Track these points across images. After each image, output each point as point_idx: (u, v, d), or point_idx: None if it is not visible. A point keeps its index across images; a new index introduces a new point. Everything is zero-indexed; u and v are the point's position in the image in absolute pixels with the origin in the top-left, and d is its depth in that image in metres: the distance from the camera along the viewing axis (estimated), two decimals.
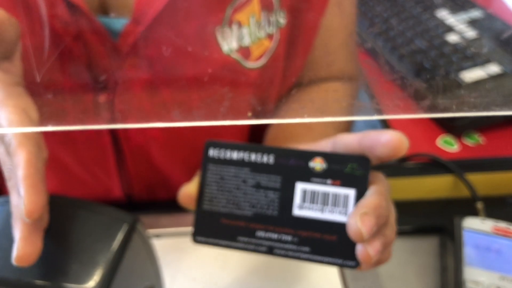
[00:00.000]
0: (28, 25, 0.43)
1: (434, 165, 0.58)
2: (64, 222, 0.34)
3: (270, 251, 0.34)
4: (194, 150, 0.48)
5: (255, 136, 0.61)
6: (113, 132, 0.50)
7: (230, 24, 0.48)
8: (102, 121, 0.48)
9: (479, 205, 0.54)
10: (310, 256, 0.33)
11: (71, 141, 0.50)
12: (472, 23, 0.83)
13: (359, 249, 0.32)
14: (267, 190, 0.34)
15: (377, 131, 0.32)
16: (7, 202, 0.35)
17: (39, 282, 0.32)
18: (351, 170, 0.33)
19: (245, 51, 0.49)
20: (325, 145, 0.35)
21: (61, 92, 0.46)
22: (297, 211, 0.33)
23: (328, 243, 0.33)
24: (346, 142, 0.34)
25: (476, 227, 0.49)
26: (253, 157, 0.34)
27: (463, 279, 0.45)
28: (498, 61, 0.74)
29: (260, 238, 0.34)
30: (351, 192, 0.33)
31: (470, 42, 0.78)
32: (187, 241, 0.51)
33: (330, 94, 0.61)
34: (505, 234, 0.49)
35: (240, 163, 0.34)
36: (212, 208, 0.35)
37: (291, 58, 0.56)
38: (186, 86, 0.48)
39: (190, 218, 0.54)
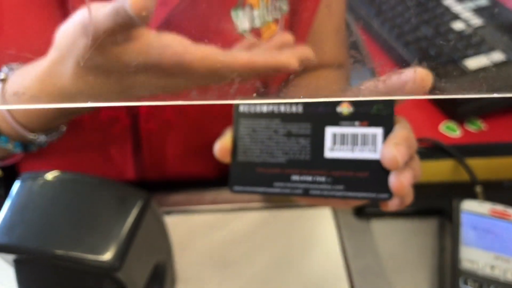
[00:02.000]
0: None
1: (436, 149, 0.60)
2: (83, 198, 0.36)
3: (306, 192, 0.36)
4: (205, 133, 0.50)
5: None
6: (133, 115, 0.52)
7: (243, 5, 0.50)
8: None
9: (478, 189, 0.55)
10: (345, 193, 0.35)
11: (94, 122, 0.52)
12: (478, 11, 0.83)
13: (393, 180, 0.34)
14: (298, 137, 0.35)
15: (398, 72, 0.33)
16: (29, 178, 0.37)
17: (60, 252, 0.34)
18: (377, 110, 0.34)
19: (256, 32, 0.51)
20: None
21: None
22: (328, 153, 0.35)
23: (361, 179, 0.35)
24: (370, 87, 0.35)
25: (474, 209, 0.51)
26: (282, 108, 0.35)
27: (459, 258, 0.47)
28: (503, 49, 0.75)
29: (295, 181, 0.36)
30: (378, 131, 0.34)
31: (476, 29, 0.79)
32: (196, 218, 0.53)
33: (323, 79, 0.62)
34: (501, 216, 0.50)
35: (270, 115, 0.36)
36: (247, 159, 0.36)
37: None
38: None
39: (199, 196, 0.56)
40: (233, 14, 0.49)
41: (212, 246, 0.51)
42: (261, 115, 0.36)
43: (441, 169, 0.59)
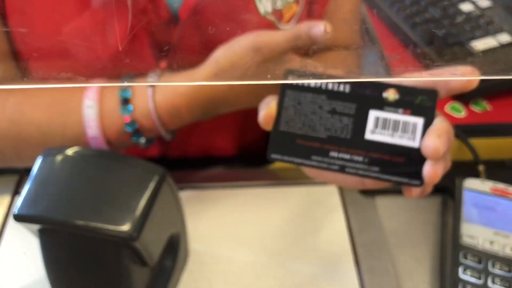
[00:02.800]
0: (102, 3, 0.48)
1: None
2: (103, 172, 0.38)
3: (342, 169, 0.37)
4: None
5: None
6: None
7: None
8: None
9: (481, 168, 0.56)
10: (379, 175, 0.36)
11: None
12: None
13: (428, 169, 0.35)
14: (342, 115, 0.36)
15: (449, 67, 0.34)
16: (52, 154, 0.39)
17: (81, 222, 0.36)
18: (421, 101, 0.35)
19: (278, 14, 0.53)
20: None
21: (128, 62, 0.50)
22: (369, 135, 0.36)
23: (396, 164, 0.36)
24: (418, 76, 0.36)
25: (475, 187, 0.52)
26: (330, 85, 0.36)
27: (460, 233, 0.48)
28: (510, 31, 0.75)
29: (333, 157, 0.37)
30: (419, 121, 0.35)
31: (484, 11, 0.79)
32: (209, 193, 0.55)
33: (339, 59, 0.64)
34: (502, 194, 0.51)
35: (317, 90, 0.36)
36: (289, 129, 0.37)
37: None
38: None
39: (212, 173, 0.57)
40: None
41: (223, 221, 0.53)
42: (308, 89, 0.37)
43: None
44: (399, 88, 0.35)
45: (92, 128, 0.48)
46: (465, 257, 0.47)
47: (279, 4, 0.52)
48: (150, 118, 0.49)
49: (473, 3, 0.81)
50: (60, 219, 0.36)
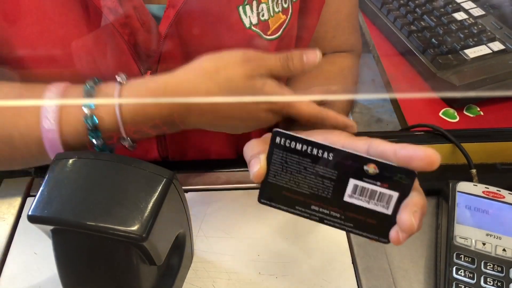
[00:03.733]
0: (85, 17, 0.48)
1: (435, 134, 0.62)
2: (114, 175, 0.39)
3: (321, 220, 0.40)
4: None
5: None
6: None
7: (250, 1, 0.51)
8: None
9: (473, 172, 0.57)
10: (353, 230, 0.40)
11: None
12: (480, 1, 0.85)
13: (394, 235, 0.37)
14: (324, 178, 0.39)
15: (413, 146, 0.36)
16: (64, 157, 0.40)
17: (92, 223, 0.37)
18: (399, 178, 0.37)
19: (264, 25, 0.53)
20: (362, 145, 0.39)
21: (112, 73, 0.50)
22: (347, 198, 0.39)
23: (368, 224, 0.39)
24: (382, 149, 0.38)
25: (468, 190, 0.53)
26: (315, 151, 0.38)
27: (453, 235, 0.50)
28: (502, 38, 0.76)
29: (314, 210, 0.40)
30: (395, 194, 0.37)
31: (476, 19, 0.80)
32: (212, 195, 0.56)
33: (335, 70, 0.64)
34: (494, 197, 0.52)
35: (302, 153, 0.39)
36: (276, 181, 0.40)
37: (300, 30, 0.60)
38: None
39: (215, 177, 0.58)
40: (240, 10, 0.51)
41: (226, 221, 0.54)
42: (294, 151, 0.39)
43: (440, 153, 0.61)
44: (379, 164, 0.37)
45: (48, 118, 0.45)
46: (459, 258, 0.48)
47: (265, 16, 0.53)
48: (112, 114, 0.45)
49: (467, 11, 0.82)
50: (72, 220, 0.37)
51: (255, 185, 0.58)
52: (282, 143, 0.39)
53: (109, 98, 0.45)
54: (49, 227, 0.38)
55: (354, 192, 0.38)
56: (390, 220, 0.38)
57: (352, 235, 0.52)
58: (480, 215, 0.51)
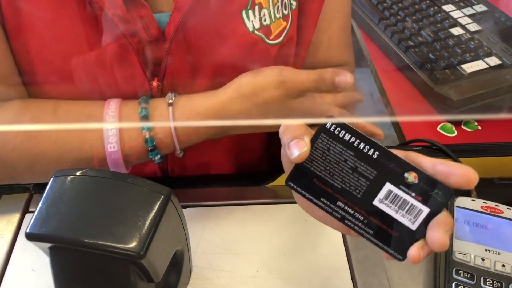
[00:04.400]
0: (94, 26, 0.49)
1: (433, 149, 0.62)
2: (112, 192, 0.39)
3: (342, 219, 0.39)
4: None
5: None
6: None
7: (253, 5, 0.52)
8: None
9: None
10: (371, 237, 0.38)
11: None
12: (477, 16, 0.85)
13: (415, 252, 0.36)
14: (361, 176, 0.38)
15: (452, 163, 0.36)
16: (62, 175, 0.40)
17: (90, 241, 0.36)
18: (435, 194, 0.36)
19: (266, 30, 0.54)
20: (399, 155, 0.38)
21: (118, 82, 0.51)
22: (376, 203, 0.38)
23: (389, 235, 0.38)
24: (420, 161, 0.37)
25: (467, 205, 0.53)
26: (361, 146, 0.38)
27: (452, 250, 0.49)
28: (498, 54, 0.77)
29: (339, 207, 0.39)
30: (426, 210, 0.37)
31: (473, 34, 0.81)
32: (210, 210, 0.56)
33: None
34: (492, 212, 0.52)
35: (348, 145, 0.38)
36: (311, 167, 0.39)
37: (299, 38, 0.60)
38: (221, 63, 0.53)
39: (213, 191, 0.58)
40: (243, 14, 0.52)
41: (224, 237, 0.54)
42: (341, 140, 0.38)
43: None
44: (420, 174, 0.37)
45: (111, 142, 0.49)
46: (458, 273, 0.48)
47: (267, 21, 0.54)
48: (169, 136, 0.50)
49: (463, 27, 0.83)
50: (70, 237, 0.37)
51: (253, 200, 0.58)
52: (332, 129, 0.39)
53: (164, 120, 0.50)
54: (47, 245, 0.38)
55: (386, 197, 0.37)
56: (411, 236, 0.37)
57: (351, 251, 0.52)
58: (479, 230, 0.51)
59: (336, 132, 0.38)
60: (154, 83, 0.52)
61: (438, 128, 0.70)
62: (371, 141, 0.38)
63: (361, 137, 0.38)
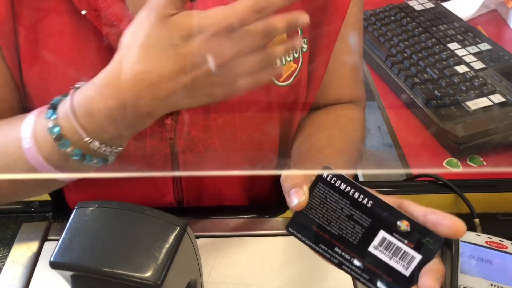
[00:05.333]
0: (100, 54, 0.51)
1: (438, 184, 0.63)
2: (131, 224, 0.41)
3: (339, 265, 0.41)
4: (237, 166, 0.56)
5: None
6: (172, 147, 0.58)
7: None
8: (167, 139, 0.56)
9: (477, 221, 0.59)
10: (367, 283, 0.40)
11: (138, 152, 0.57)
12: (481, 55, 0.88)
13: None
14: (356, 223, 0.40)
15: (442, 213, 0.38)
16: (84, 206, 0.42)
17: (110, 270, 0.38)
18: (426, 242, 0.38)
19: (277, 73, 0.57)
20: (392, 203, 0.41)
21: None
22: (371, 249, 0.40)
23: (384, 280, 0.40)
24: (412, 210, 0.40)
25: (471, 240, 0.54)
26: (356, 195, 0.40)
27: (457, 284, 0.50)
28: (502, 91, 0.79)
29: (336, 253, 0.41)
30: (418, 257, 0.39)
31: (477, 72, 0.83)
32: (222, 241, 0.58)
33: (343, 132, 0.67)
34: (497, 247, 0.53)
35: (344, 194, 0.41)
36: (309, 214, 0.42)
37: (310, 79, 0.63)
38: (232, 101, 0.56)
39: (225, 222, 0.60)
40: None
41: (235, 267, 0.55)
42: (337, 190, 0.41)
43: (443, 202, 0.62)
44: (412, 223, 0.39)
45: (25, 138, 0.46)
46: None
47: (278, 64, 0.56)
48: (69, 119, 0.44)
49: (468, 65, 0.85)
50: (91, 266, 0.39)
51: (265, 232, 0.60)
52: (328, 179, 0.41)
53: (65, 105, 0.44)
54: (69, 273, 0.40)
55: (380, 244, 0.40)
56: (405, 282, 0.39)
57: (359, 285, 0.53)
58: (483, 265, 0.52)
59: (332, 182, 0.41)
60: (168, 121, 0.54)
61: (444, 163, 0.72)
62: (365, 190, 0.40)
63: (356, 187, 0.40)
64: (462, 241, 0.54)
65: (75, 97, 0.44)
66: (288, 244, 0.58)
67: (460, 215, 0.60)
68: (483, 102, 0.77)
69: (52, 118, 0.44)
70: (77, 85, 0.46)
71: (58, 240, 0.41)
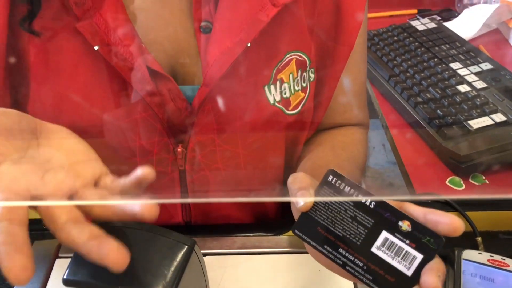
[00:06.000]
0: (123, 96, 0.53)
1: (441, 203, 0.64)
2: (141, 242, 0.42)
3: (343, 266, 0.42)
4: (243, 186, 0.57)
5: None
6: (181, 173, 0.59)
7: (275, 81, 0.57)
8: (178, 166, 0.58)
9: (479, 239, 0.59)
10: (370, 283, 0.41)
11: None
12: (483, 74, 0.89)
13: None
14: (359, 224, 0.42)
15: (441, 212, 0.40)
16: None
17: (120, 287, 0.40)
18: (427, 241, 0.40)
19: (286, 102, 0.59)
20: (394, 205, 0.42)
21: (144, 145, 0.55)
22: (374, 250, 0.41)
23: (387, 281, 0.41)
24: (413, 211, 0.41)
25: (474, 258, 0.55)
26: (359, 196, 0.42)
27: None
28: (504, 110, 0.80)
29: (340, 254, 0.42)
30: (419, 256, 0.40)
31: (479, 91, 0.84)
32: (228, 259, 0.59)
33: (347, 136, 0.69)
34: (499, 265, 0.54)
35: (347, 196, 0.42)
36: (315, 216, 0.43)
37: (316, 105, 0.65)
38: (242, 130, 0.58)
39: (231, 240, 0.61)
40: (266, 89, 0.57)
41: (241, 285, 0.56)
42: (341, 192, 0.43)
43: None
44: (413, 223, 0.40)
45: None
46: None
47: (287, 94, 0.58)
48: None
49: (470, 84, 0.86)
50: (103, 284, 0.40)
51: (271, 249, 0.61)
52: (333, 181, 0.43)
53: None
54: None
55: (383, 244, 0.41)
56: (407, 282, 0.39)
57: None
58: (486, 283, 0.53)
59: (337, 185, 0.43)
60: (179, 149, 0.56)
61: (446, 182, 0.73)
62: (367, 192, 0.42)
63: (359, 188, 0.42)
64: (464, 259, 0.55)
65: None
66: (293, 261, 0.59)
67: (463, 233, 0.62)
68: (484, 121, 0.78)
69: None
70: None
71: (69, 257, 0.42)
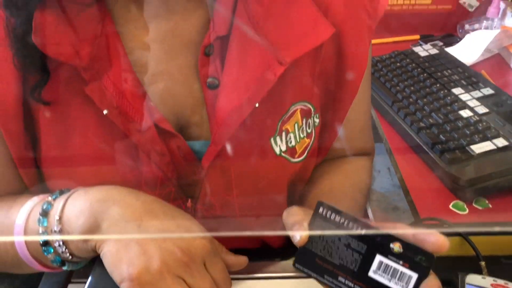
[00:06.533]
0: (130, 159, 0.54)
1: (444, 227, 0.65)
2: None
3: None
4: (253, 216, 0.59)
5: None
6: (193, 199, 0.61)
7: (280, 133, 0.58)
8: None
9: (483, 264, 0.60)
10: None
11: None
12: (484, 99, 0.90)
13: None
14: (354, 251, 0.44)
15: (427, 231, 0.42)
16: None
17: None
18: (419, 260, 0.42)
19: (292, 151, 0.60)
20: (386, 228, 0.45)
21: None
22: (371, 274, 0.43)
23: None
24: (403, 232, 0.43)
25: (477, 283, 0.56)
26: (350, 224, 0.44)
27: None
28: (505, 135, 0.81)
29: (340, 282, 0.44)
30: (414, 275, 0.42)
31: (481, 116, 0.86)
32: (235, 284, 0.60)
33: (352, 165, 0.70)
34: None
35: (339, 225, 0.44)
36: (312, 248, 0.45)
37: (321, 144, 0.66)
38: (249, 182, 0.59)
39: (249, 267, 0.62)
40: (272, 141, 0.58)
41: None
42: (333, 222, 0.44)
43: (449, 245, 0.64)
44: (404, 244, 0.42)
45: (17, 233, 0.51)
46: None
47: (292, 143, 0.59)
48: (54, 232, 0.49)
49: (472, 109, 0.88)
50: None
51: (274, 274, 0.62)
52: (324, 213, 0.44)
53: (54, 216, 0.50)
54: None
55: (378, 268, 0.42)
56: None
57: None
58: None
59: (328, 216, 0.44)
60: (189, 204, 0.57)
61: (450, 206, 0.74)
62: (356, 219, 0.44)
63: (348, 217, 0.44)
64: (468, 283, 0.56)
65: (67, 211, 0.49)
66: (299, 286, 0.60)
67: (467, 258, 0.63)
68: (487, 146, 0.79)
69: (42, 226, 0.50)
70: (72, 192, 0.51)
71: (80, 282, 0.44)
